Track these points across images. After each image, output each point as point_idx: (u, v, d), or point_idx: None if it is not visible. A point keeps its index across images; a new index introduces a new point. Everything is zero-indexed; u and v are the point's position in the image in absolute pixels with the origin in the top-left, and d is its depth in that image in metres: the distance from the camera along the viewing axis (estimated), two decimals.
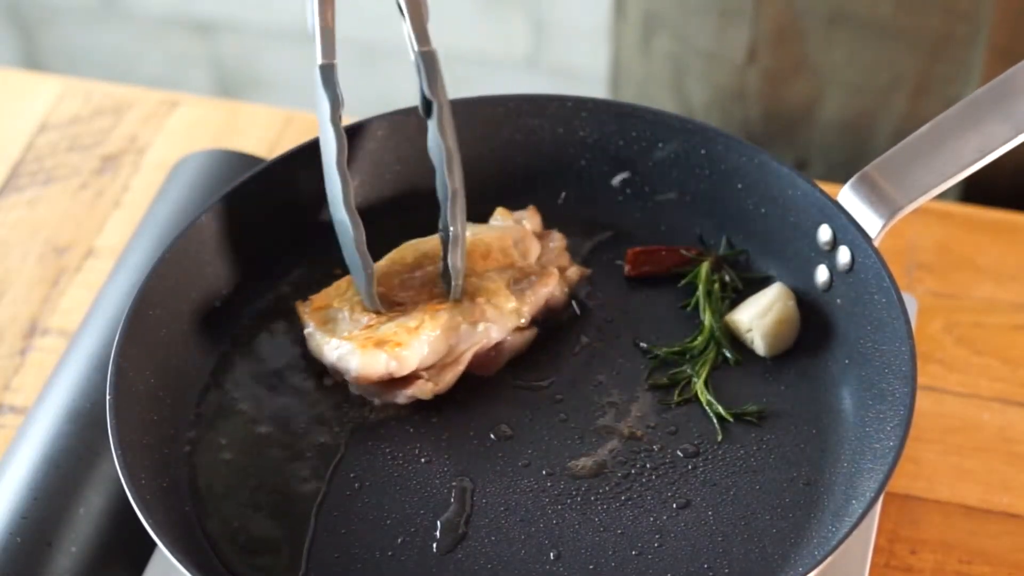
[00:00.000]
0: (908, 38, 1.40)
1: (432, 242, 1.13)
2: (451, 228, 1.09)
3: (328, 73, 1.10)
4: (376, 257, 1.13)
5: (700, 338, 1.11)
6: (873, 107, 1.46)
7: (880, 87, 1.44)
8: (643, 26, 1.53)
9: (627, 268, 1.16)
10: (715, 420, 1.07)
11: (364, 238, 1.08)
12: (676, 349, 1.11)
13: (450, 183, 1.09)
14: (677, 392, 1.09)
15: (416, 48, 1.11)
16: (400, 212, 1.19)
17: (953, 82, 1.41)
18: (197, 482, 1.06)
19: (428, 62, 1.10)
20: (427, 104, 1.11)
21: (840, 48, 1.43)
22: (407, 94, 1.13)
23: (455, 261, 1.09)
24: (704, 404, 1.08)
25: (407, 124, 1.19)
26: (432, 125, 1.10)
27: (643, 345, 1.12)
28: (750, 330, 1.11)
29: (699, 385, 1.09)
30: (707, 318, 1.11)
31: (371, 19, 2.51)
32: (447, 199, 1.09)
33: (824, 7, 1.41)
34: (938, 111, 1.10)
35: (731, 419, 1.07)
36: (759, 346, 1.11)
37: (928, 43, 1.40)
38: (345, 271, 1.11)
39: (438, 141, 1.10)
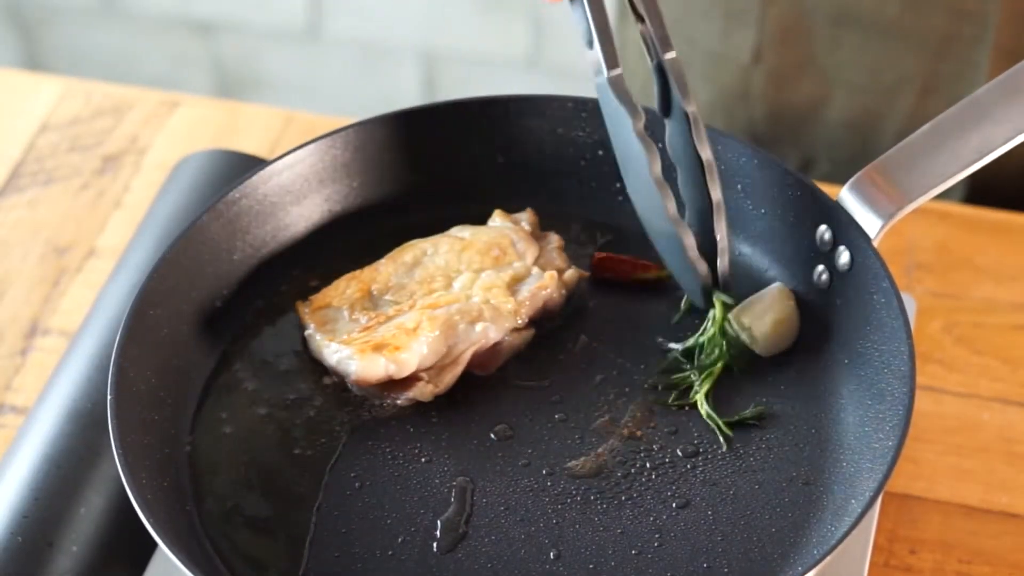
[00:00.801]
0: (914, 38, 1.40)
1: (431, 242, 1.14)
2: (718, 238, 1.08)
3: (619, 84, 1.06)
4: (375, 257, 1.13)
5: (710, 332, 1.11)
6: (879, 107, 1.46)
7: (886, 87, 1.44)
8: None
9: (591, 271, 1.16)
10: (718, 431, 1.08)
11: (695, 243, 1.06)
12: (689, 345, 1.11)
13: (713, 193, 1.07)
14: (675, 396, 1.09)
15: (661, 55, 1.07)
16: (400, 212, 1.19)
17: (959, 82, 1.41)
18: (198, 482, 1.06)
19: (676, 69, 1.07)
20: (666, 106, 1.09)
21: (846, 48, 1.43)
22: (407, 94, 1.14)
23: (724, 269, 1.09)
24: (705, 417, 1.08)
25: (407, 124, 1.19)
26: (674, 128, 1.09)
27: (659, 340, 1.12)
28: (749, 329, 1.11)
29: (699, 396, 1.09)
30: (716, 315, 1.11)
31: (371, 19, 2.51)
32: (710, 210, 1.07)
33: (830, 7, 1.41)
34: (944, 111, 1.10)
35: (730, 433, 1.07)
36: (757, 346, 1.11)
37: (934, 43, 1.40)
38: (339, 273, 1.11)
39: (686, 150, 1.08)
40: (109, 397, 1.02)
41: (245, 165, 1.27)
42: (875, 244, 1.08)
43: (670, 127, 1.10)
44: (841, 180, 1.18)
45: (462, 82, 2.54)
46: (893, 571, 1.11)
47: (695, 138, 1.07)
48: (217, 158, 1.29)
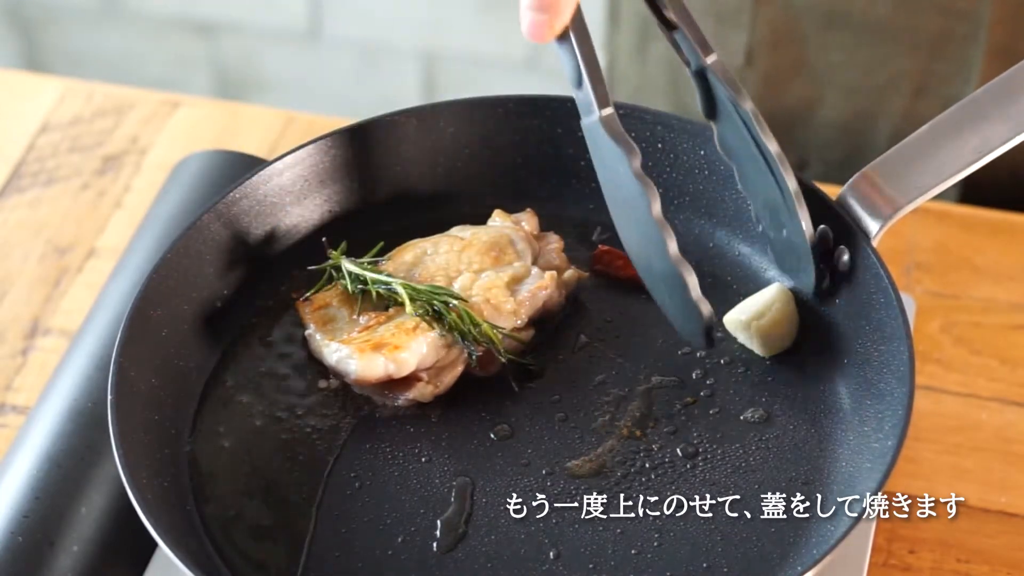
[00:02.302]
0: (906, 38, 1.40)
1: (431, 242, 1.14)
2: (802, 226, 1.07)
3: (613, 123, 1.03)
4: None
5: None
6: (872, 108, 1.46)
7: (879, 88, 1.44)
8: (637, 32, 1.53)
9: (591, 261, 1.17)
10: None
11: (697, 282, 1.04)
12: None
13: (790, 183, 1.06)
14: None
15: (703, 60, 1.06)
16: (400, 212, 1.19)
17: (952, 82, 1.42)
18: (198, 482, 1.06)
19: (723, 70, 1.06)
20: (711, 109, 1.08)
21: (838, 49, 1.43)
22: (407, 94, 1.14)
23: (812, 240, 1.08)
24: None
25: (407, 124, 1.19)
26: (724, 129, 1.08)
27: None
28: (748, 330, 1.11)
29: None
30: None
31: (371, 20, 2.51)
32: (785, 199, 1.07)
33: (822, 8, 1.41)
34: (937, 111, 1.10)
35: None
36: (757, 346, 1.11)
37: (927, 43, 1.40)
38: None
39: (744, 148, 1.07)
40: (109, 397, 1.02)
41: (245, 165, 1.27)
42: (874, 244, 1.08)
43: (719, 129, 1.09)
44: (834, 181, 1.19)
45: (462, 82, 2.54)
46: (892, 570, 1.11)
47: (759, 133, 1.06)
48: (217, 158, 1.29)
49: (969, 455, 1.17)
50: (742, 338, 1.11)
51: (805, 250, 1.09)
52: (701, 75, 1.07)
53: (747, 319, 1.11)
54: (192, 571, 0.96)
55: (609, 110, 1.03)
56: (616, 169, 1.04)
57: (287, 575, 1.02)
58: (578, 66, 1.02)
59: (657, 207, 1.02)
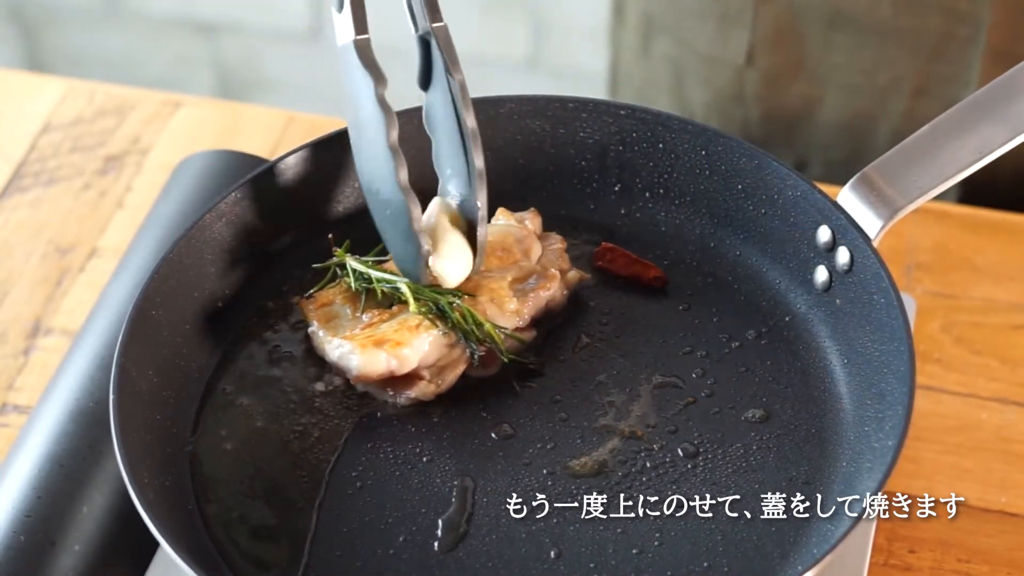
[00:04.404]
0: (907, 39, 1.41)
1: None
2: (478, 205, 1.08)
3: (366, 49, 1.06)
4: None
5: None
6: (872, 108, 1.46)
7: (879, 88, 1.45)
8: (642, 29, 1.53)
9: (592, 258, 1.17)
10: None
11: (421, 214, 1.07)
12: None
13: (477, 161, 1.08)
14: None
15: (429, 24, 1.08)
16: None
17: (952, 83, 1.42)
18: (200, 481, 1.06)
19: (445, 37, 1.07)
20: (426, 79, 1.09)
21: (839, 49, 1.43)
22: (407, 94, 1.14)
23: (482, 237, 1.09)
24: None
25: (407, 124, 1.19)
26: (434, 99, 1.09)
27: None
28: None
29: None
30: None
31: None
32: (471, 177, 1.08)
33: (823, 8, 1.41)
34: (937, 112, 1.10)
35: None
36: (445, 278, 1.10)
37: (927, 44, 1.40)
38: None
39: (448, 121, 1.08)
40: (111, 396, 1.02)
41: (247, 165, 1.27)
42: (875, 244, 1.08)
43: (429, 98, 1.10)
44: (834, 181, 1.19)
45: None
46: (892, 570, 1.11)
47: (462, 107, 1.07)
48: (219, 158, 1.29)
49: (969, 455, 1.17)
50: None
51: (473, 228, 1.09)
52: (424, 42, 1.08)
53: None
54: (194, 570, 0.96)
55: (366, 36, 1.06)
56: (361, 94, 1.07)
57: (288, 574, 1.02)
58: None
59: (394, 135, 1.05)
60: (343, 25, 1.07)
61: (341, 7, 1.06)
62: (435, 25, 1.07)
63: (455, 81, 1.07)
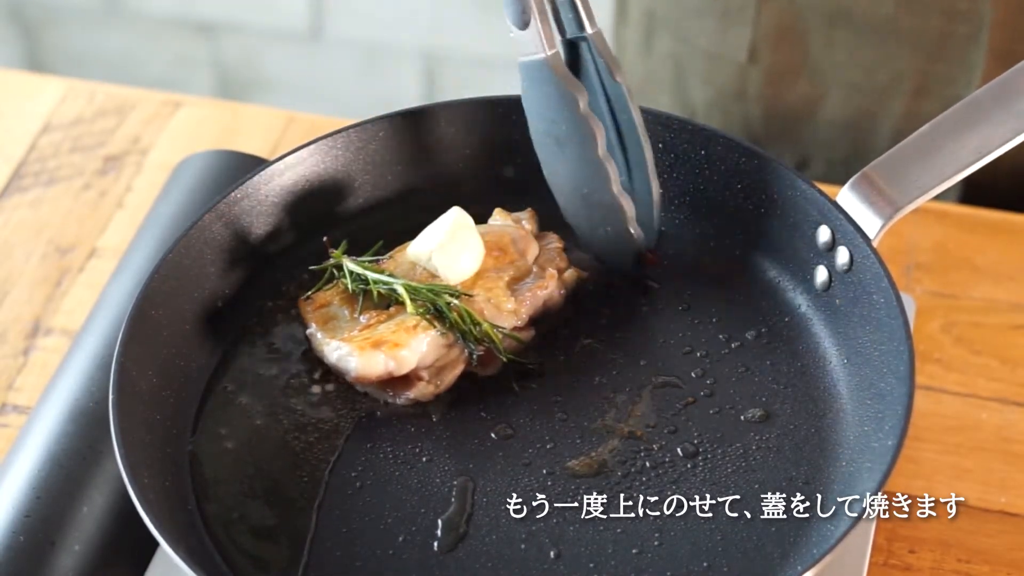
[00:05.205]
0: (909, 38, 1.41)
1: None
2: (653, 185, 1.12)
3: (559, 63, 1.07)
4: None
5: None
6: (874, 107, 1.46)
7: (881, 87, 1.45)
8: (644, 26, 1.53)
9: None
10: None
11: (634, 209, 1.11)
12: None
13: (647, 152, 1.11)
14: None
15: (588, 29, 1.08)
16: (401, 211, 1.19)
17: (953, 82, 1.42)
18: (199, 481, 1.06)
19: (602, 43, 1.08)
20: (575, 60, 1.09)
21: (841, 48, 1.43)
22: (408, 94, 1.14)
23: (659, 221, 1.13)
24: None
25: (407, 124, 1.19)
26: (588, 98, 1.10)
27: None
28: (431, 260, 1.11)
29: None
30: None
31: (372, 20, 2.52)
32: (647, 167, 1.11)
33: (825, 7, 1.41)
34: (938, 111, 1.10)
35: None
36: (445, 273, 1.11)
37: (929, 43, 1.40)
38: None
39: (602, 116, 1.10)
40: (111, 396, 1.03)
41: (247, 165, 1.27)
42: (874, 244, 1.08)
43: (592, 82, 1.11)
44: (836, 180, 1.19)
45: (462, 82, 2.54)
46: (892, 570, 1.11)
47: (630, 105, 1.09)
48: (219, 158, 1.29)
49: (969, 455, 1.17)
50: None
51: (650, 218, 1.13)
52: (572, 44, 1.09)
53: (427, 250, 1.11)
54: (193, 570, 0.96)
55: (555, 51, 1.06)
56: (558, 109, 1.07)
57: (288, 574, 1.02)
58: (524, 8, 1.04)
59: (604, 144, 1.08)
60: (530, 41, 1.06)
61: (525, 25, 1.05)
62: (592, 32, 1.09)
63: (618, 84, 1.09)
